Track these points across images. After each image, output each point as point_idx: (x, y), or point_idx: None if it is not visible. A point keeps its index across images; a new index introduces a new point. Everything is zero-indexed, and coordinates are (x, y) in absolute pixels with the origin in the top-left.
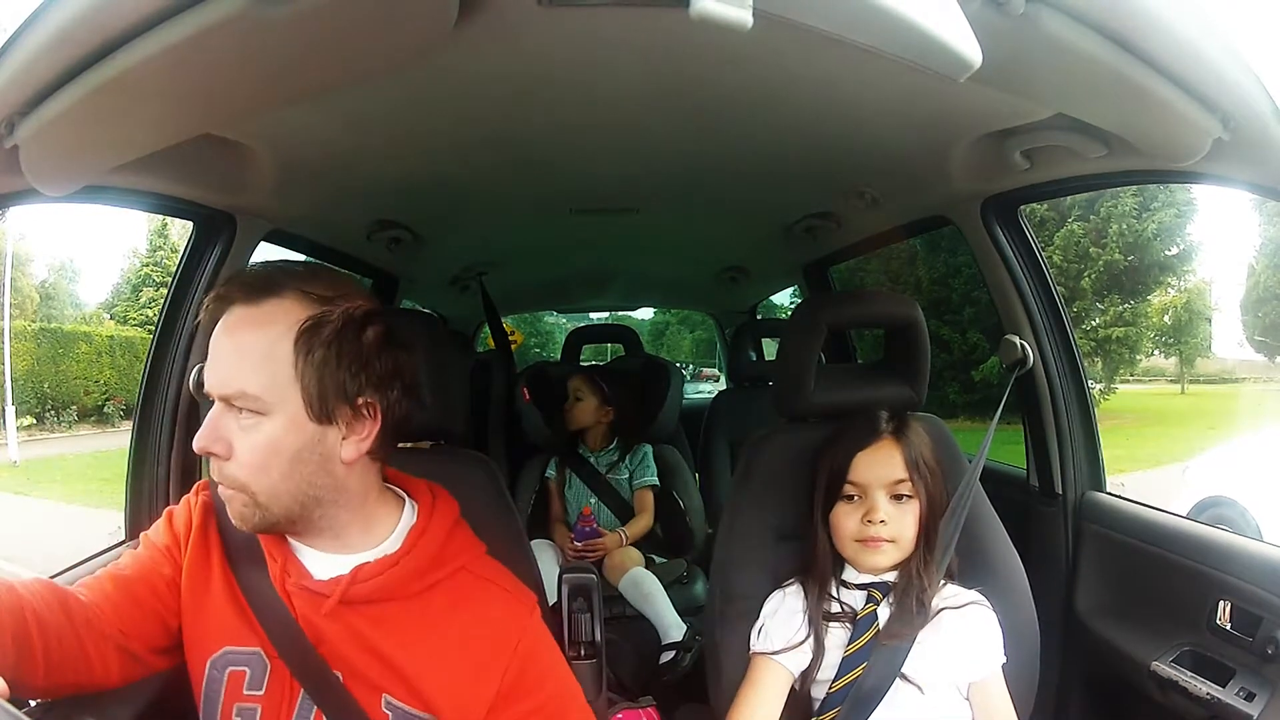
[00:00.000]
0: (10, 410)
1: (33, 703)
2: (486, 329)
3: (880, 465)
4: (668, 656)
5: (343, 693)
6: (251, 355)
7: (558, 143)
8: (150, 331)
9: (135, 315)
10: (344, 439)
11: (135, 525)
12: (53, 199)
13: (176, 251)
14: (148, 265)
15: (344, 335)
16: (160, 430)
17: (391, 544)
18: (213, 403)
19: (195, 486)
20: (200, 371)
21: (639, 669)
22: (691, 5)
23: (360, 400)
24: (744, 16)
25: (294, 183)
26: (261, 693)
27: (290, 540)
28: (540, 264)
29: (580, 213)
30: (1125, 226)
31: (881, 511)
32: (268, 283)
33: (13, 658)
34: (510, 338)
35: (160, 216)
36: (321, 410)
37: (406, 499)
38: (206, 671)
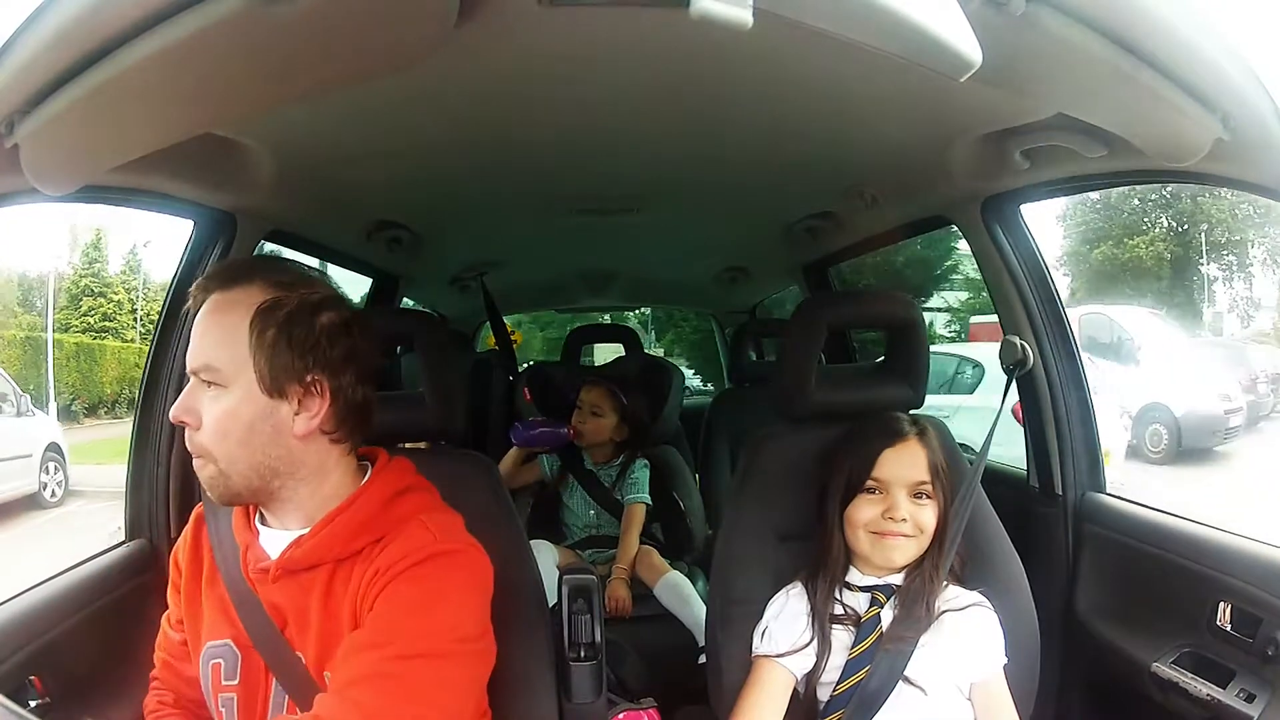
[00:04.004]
0: (53, 405)
1: (34, 702)
2: (486, 328)
3: (905, 464)
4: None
5: (305, 676)
6: (217, 332)
7: (558, 142)
8: (94, 338)
9: (78, 323)
10: (296, 414)
11: (135, 525)
12: (53, 198)
13: (109, 262)
14: (86, 276)
15: (297, 317)
16: (160, 430)
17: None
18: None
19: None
20: None
21: (662, 670)
22: (691, 5)
23: (309, 378)
24: (744, 16)
25: (294, 183)
26: (236, 682)
27: (258, 525)
28: (540, 264)
29: (580, 212)
30: (880, 258)
31: (903, 509)
32: (240, 271)
33: None
34: (510, 337)
35: (93, 230)
36: (272, 384)
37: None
38: (200, 667)
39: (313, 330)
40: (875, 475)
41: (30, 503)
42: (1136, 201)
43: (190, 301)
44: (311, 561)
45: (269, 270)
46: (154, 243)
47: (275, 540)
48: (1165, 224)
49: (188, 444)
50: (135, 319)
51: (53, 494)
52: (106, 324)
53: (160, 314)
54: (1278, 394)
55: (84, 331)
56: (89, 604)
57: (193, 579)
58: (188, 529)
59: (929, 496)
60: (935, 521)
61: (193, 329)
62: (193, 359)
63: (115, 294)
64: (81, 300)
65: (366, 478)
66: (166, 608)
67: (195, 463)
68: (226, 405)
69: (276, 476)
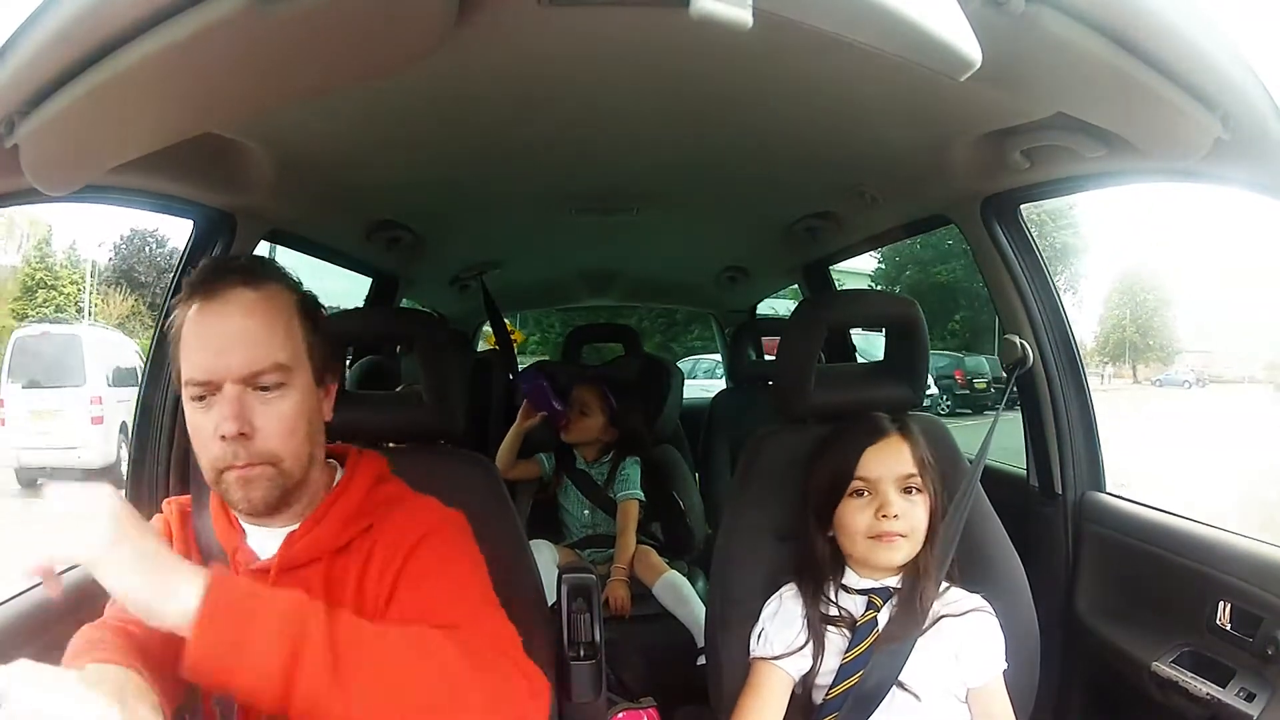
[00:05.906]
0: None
1: None
2: (485, 328)
3: (890, 460)
4: (704, 660)
5: None
6: (277, 330)
7: (558, 142)
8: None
9: (34, 313)
10: (324, 400)
11: None
12: (53, 198)
13: (57, 256)
14: (40, 270)
15: (317, 310)
16: (160, 430)
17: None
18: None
19: (164, 503)
20: None
21: (662, 669)
22: (691, 4)
23: (334, 364)
24: (744, 16)
25: (294, 183)
26: None
27: (244, 525)
28: (540, 264)
29: (580, 212)
30: None
31: (895, 506)
32: (263, 268)
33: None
34: (510, 336)
35: (45, 225)
36: (321, 375)
37: (339, 466)
38: None
39: (322, 321)
40: (861, 475)
41: None
42: (942, 232)
43: (184, 303)
44: (311, 556)
45: (273, 267)
46: (106, 244)
47: (263, 539)
48: (969, 251)
49: (235, 458)
50: (80, 312)
51: None
52: (60, 315)
53: (160, 313)
54: (998, 390)
55: (39, 322)
56: (89, 604)
57: None
58: (174, 520)
59: (919, 490)
60: (927, 518)
61: (217, 331)
62: (254, 362)
63: (65, 288)
64: (36, 292)
65: (341, 469)
66: None
67: (248, 472)
68: (293, 402)
69: (313, 465)
